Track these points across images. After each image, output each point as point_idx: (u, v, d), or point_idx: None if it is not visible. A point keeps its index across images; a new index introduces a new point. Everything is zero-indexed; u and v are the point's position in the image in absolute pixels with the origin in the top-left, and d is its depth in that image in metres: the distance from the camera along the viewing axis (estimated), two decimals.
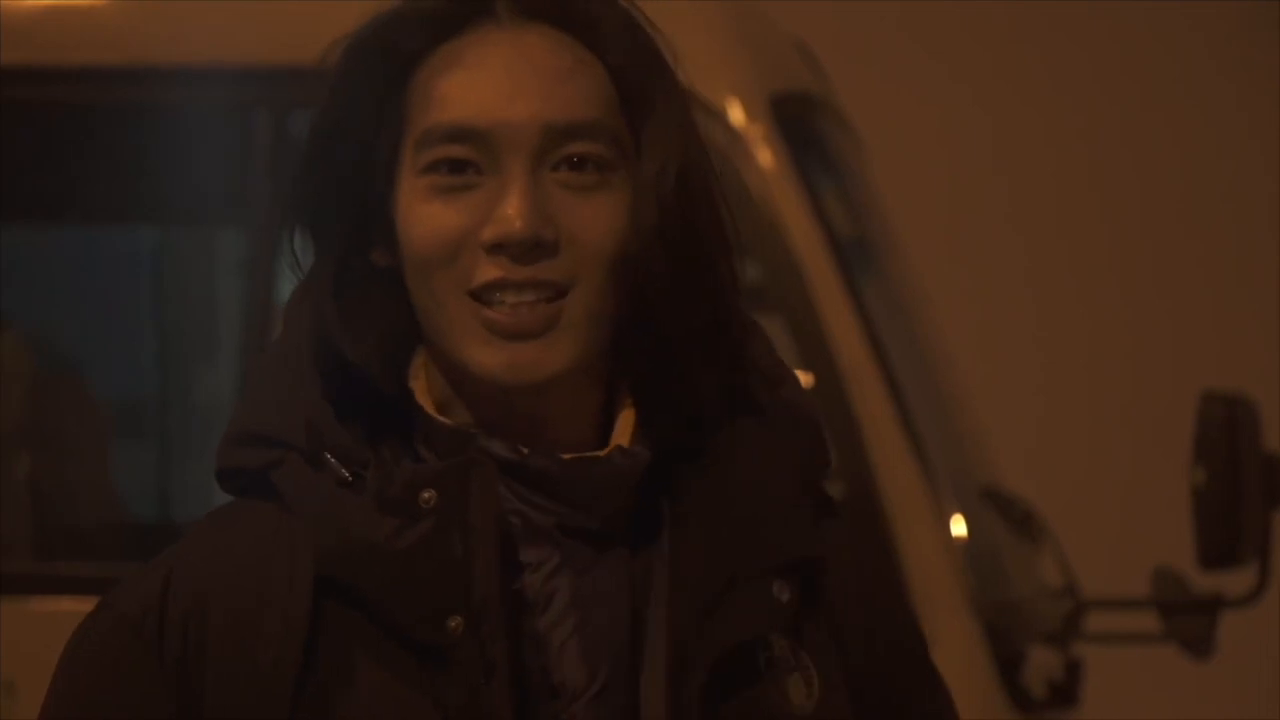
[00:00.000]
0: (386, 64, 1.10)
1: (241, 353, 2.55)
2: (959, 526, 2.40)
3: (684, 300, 1.10)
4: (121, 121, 2.65)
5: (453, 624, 1.05)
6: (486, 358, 1.08)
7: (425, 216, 1.08)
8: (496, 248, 1.07)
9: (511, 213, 1.07)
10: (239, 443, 1.11)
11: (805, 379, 2.39)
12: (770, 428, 1.13)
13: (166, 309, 3.31)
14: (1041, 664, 2.51)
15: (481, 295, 1.08)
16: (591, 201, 1.09)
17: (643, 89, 1.10)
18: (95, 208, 3.10)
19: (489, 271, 1.07)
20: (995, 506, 2.61)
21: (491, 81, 1.08)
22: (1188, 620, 2.50)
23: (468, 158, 1.08)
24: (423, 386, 1.11)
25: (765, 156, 2.40)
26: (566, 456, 1.09)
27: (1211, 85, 4.27)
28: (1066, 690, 2.56)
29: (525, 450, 1.09)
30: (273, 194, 2.51)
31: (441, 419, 1.10)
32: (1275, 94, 4.21)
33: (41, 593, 2.46)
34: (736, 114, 2.41)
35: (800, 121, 2.51)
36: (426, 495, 1.07)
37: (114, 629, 1.09)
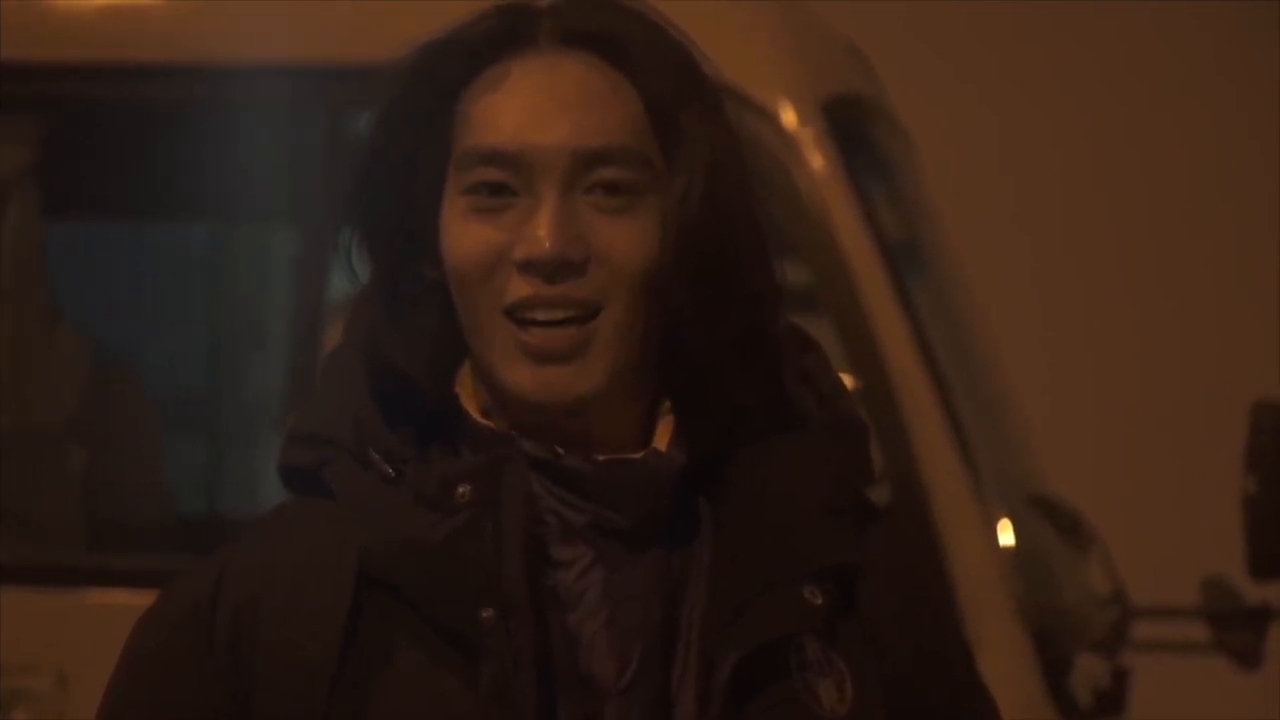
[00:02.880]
0: (433, 87, 1.14)
1: (292, 349, 2.56)
2: (1006, 532, 2.39)
3: (712, 316, 1.13)
4: (177, 119, 2.67)
5: (485, 615, 1.09)
6: (520, 379, 1.12)
7: (464, 234, 1.13)
8: (527, 266, 1.11)
9: (541, 233, 1.11)
10: (296, 442, 1.16)
11: (853, 383, 2.40)
12: (812, 437, 1.16)
13: (219, 305, 3.33)
14: (1088, 672, 2.50)
15: (514, 312, 1.12)
16: (620, 223, 1.12)
17: (673, 113, 1.14)
18: (150, 205, 3.12)
19: (521, 289, 1.12)
20: (1044, 512, 2.60)
21: (526, 107, 1.13)
22: (1237, 631, 2.48)
23: (503, 179, 1.12)
24: (469, 392, 1.15)
25: (816, 160, 2.40)
26: (601, 458, 1.13)
27: (1215, 85, 4.25)
28: (1113, 699, 2.54)
29: (560, 450, 1.12)
30: (325, 194, 2.53)
31: (484, 422, 1.14)
32: (1277, 94, 4.19)
33: (93, 585, 2.48)
34: (788, 117, 2.41)
35: (852, 125, 2.51)
36: (461, 490, 1.11)
37: (170, 619, 1.14)
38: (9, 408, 2.65)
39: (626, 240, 1.12)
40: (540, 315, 1.12)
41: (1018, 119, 4.30)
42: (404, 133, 1.15)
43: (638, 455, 1.13)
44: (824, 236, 2.36)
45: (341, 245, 1.16)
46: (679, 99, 1.14)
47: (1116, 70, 4.32)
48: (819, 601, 1.11)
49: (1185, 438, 4.13)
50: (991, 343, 2.80)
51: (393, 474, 1.12)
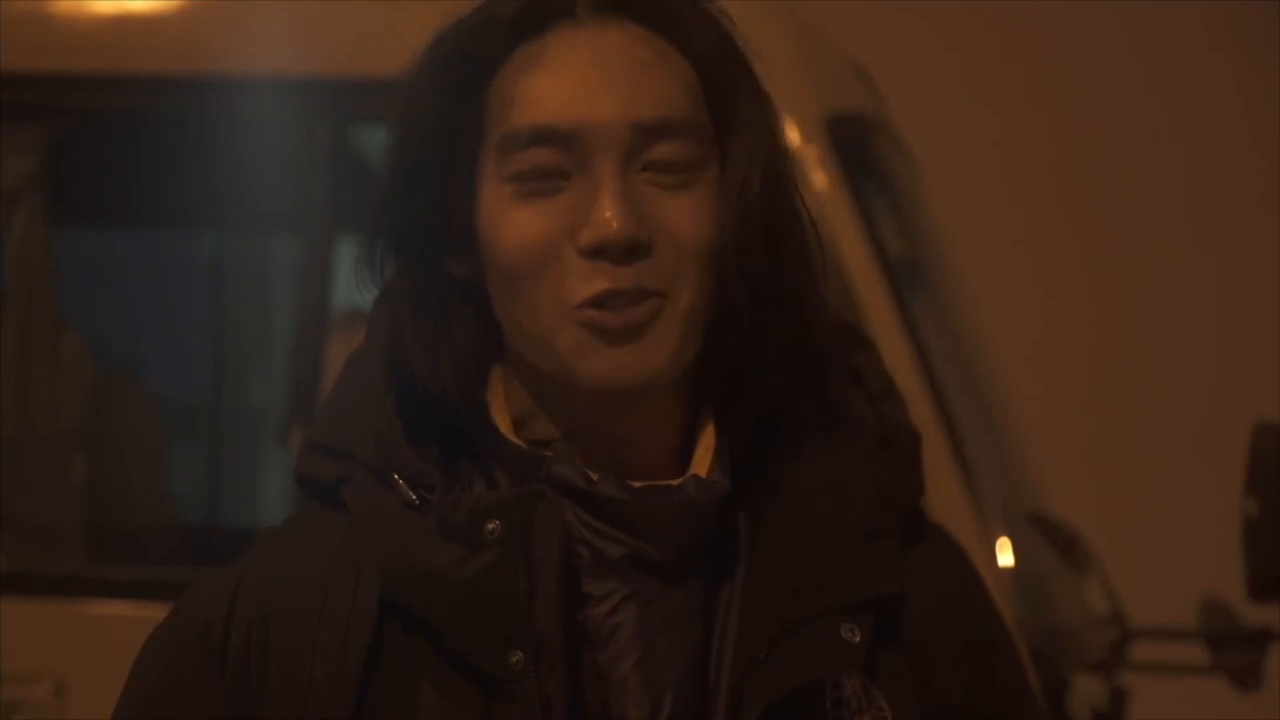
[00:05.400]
0: (464, 69, 1.06)
1: (296, 360, 2.57)
2: (1006, 551, 2.39)
3: (763, 304, 1.06)
4: (183, 130, 2.68)
5: (514, 659, 1.02)
6: (593, 364, 1.03)
7: (513, 223, 1.04)
8: (597, 252, 1.03)
9: (608, 215, 1.03)
10: (314, 451, 1.09)
11: None
12: (858, 448, 1.08)
13: (223, 315, 3.34)
14: (1087, 692, 2.50)
15: (587, 307, 1.04)
16: (682, 199, 1.05)
17: (727, 83, 1.06)
18: (155, 215, 3.13)
19: (594, 283, 1.03)
20: (1043, 532, 2.60)
21: (575, 81, 1.04)
22: (1235, 652, 2.48)
23: (554, 160, 1.04)
24: (499, 403, 1.08)
25: (820, 178, 2.40)
26: (638, 484, 1.05)
27: (1215, 85, 4.25)
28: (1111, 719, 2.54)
29: (595, 476, 1.05)
30: (330, 204, 2.53)
31: (513, 439, 1.07)
32: (1277, 94, 4.20)
33: (94, 595, 2.48)
34: (792, 134, 2.41)
35: (856, 143, 2.52)
36: (491, 526, 1.04)
37: (180, 636, 1.08)
38: (13, 416, 2.65)
39: (691, 217, 1.04)
40: (619, 305, 1.03)
41: (1018, 120, 4.30)
42: (433, 119, 1.06)
43: (676, 482, 1.05)
44: (827, 254, 2.36)
45: (365, 247, 1.08)
46: (729, 67, 1.07)
47: (1118, 77, 4.32)
48: (857, 639, 1.04)
49: (1184, 458, 4.13)
50: (993, 360, 2.80)
51: (416, 501, 1.05)
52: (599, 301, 1.03)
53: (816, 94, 2.50)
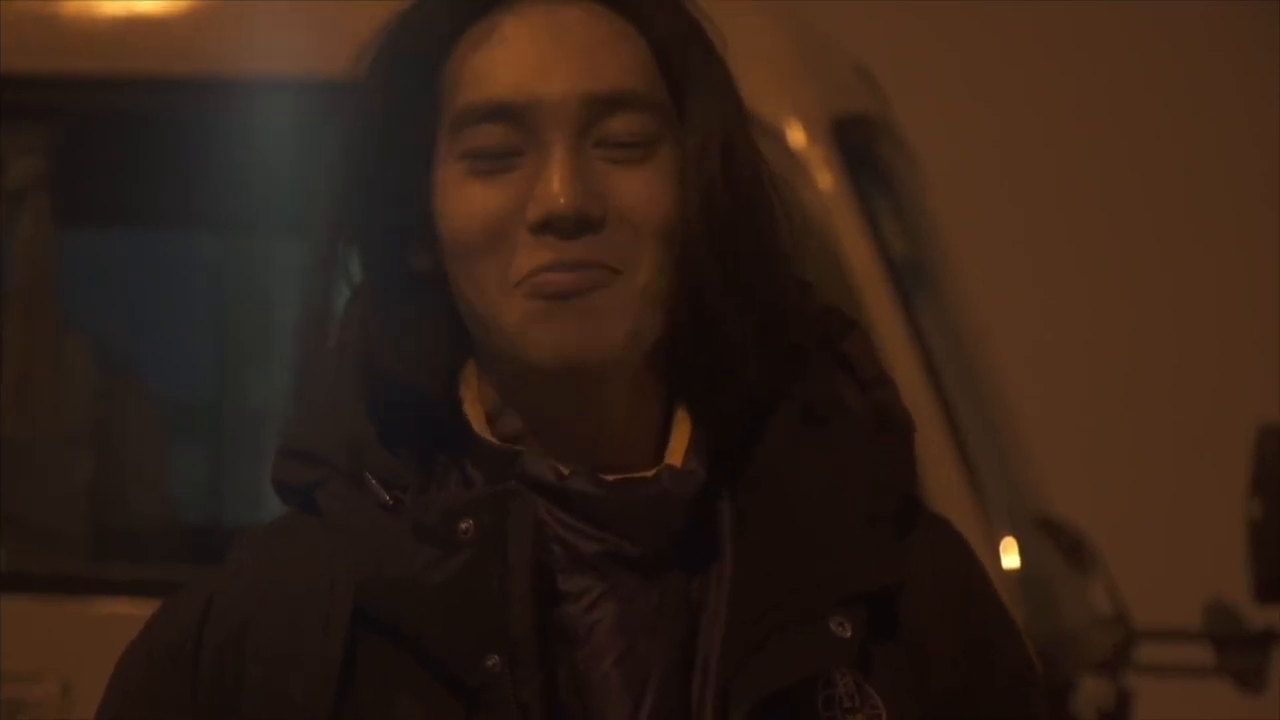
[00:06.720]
0: (416, 54, 1.04)
1: (298, 358, 2.56)
2: (1011, 553, 2.39)
3: (733, 285, 1.03)
4: (188, 131, 2.68)
5: (490, 663, 0.99)
6: (539, 335, 1.00)
7: (464, 199, 1.02)
8: (542, 227, 1.01)
9: (555, 189, 1.00)
10: (288, 456, 1.07)
11: None
12: (847, 434, 1.04)
13: (228, 315, 3.34)
14: (1092, 693, 2.50)
15: (529, 278, 1.01)
16: (637, 175, 1.02)
17: (684, 60, 1.04)
18: (160, 216, 3.13)
19: (538, 256, 1.01)
20: (1047, 534, 2.60)
21: (526, 55, 1.02)
22: (1240, 654, 2.48)
23: (506, 136, 1.02)
24: (472, 396, 1.05)
25: (825, 179, 2.40)
26: (611, 478, 1.02)
27: (1216, 85, 4.26)
28: None
29: (566, 472, 1.02)
30: (325, 203, 2.53)
31: (485, 436, 1.04)
32: (1277, 93, 4.20)
33: (99, 594, 2.49)
34: (797, 136, 2.41)
35: (860, 145, 2.52)
36: (464, 526, 1.01)
37: (152, 652, 1.06)
38: (15, 416, 2.65)
39: (646, 193, 1.01)
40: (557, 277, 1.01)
41: (1017, 120, 4.30)
42: (387, 108, 1.04)
43: (650, 474, 1.02)
44: (831, 256, 2.36)
45: (333, 243, 1.06)
46: (687, 43, 1.04)
47: (1118, 77, 4.33)
48: (848, 634, 1.00)
49: (1188, 459, 4.13)
50: (997, 361, 2.80)
51: (389, 502, 1.02)
52: (540, 271, 1.01)
53: (820, 96, 2.50)
